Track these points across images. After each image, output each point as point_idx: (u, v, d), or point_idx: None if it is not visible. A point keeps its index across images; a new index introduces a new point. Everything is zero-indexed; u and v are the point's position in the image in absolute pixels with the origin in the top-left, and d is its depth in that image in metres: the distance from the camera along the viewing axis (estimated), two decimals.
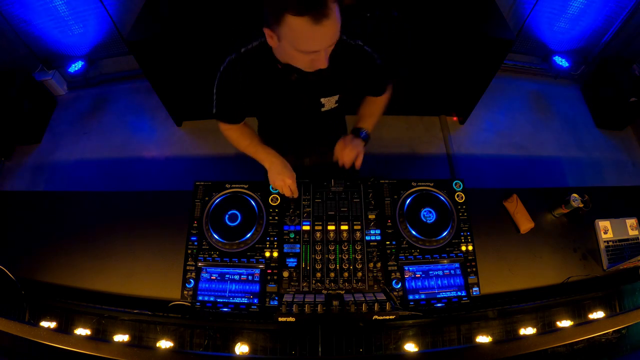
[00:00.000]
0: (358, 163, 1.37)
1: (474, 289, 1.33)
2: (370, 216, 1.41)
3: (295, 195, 1.40)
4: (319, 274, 1.32)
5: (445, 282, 1.33)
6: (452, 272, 1.34)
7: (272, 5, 0.92)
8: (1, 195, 1.77)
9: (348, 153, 1.34)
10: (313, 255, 1.35)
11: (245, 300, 1.27)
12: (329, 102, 1.28)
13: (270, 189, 1.44)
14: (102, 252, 1.44)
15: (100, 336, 1.21)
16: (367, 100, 1.42)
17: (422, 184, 1.48)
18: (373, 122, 1.42)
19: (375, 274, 1.33)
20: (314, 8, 0.86)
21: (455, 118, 3.16)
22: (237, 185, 1.45)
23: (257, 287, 1.29)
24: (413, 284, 1.32)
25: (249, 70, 1.15)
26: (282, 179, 1.35)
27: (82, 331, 1.19)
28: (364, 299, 1.16)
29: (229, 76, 1.17)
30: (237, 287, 1.29)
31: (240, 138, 1.40)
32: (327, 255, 1.34)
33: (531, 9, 2.87)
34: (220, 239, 1.34)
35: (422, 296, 1.30)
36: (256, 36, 1.11)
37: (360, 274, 1.32)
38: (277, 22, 0.92)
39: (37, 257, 1.44)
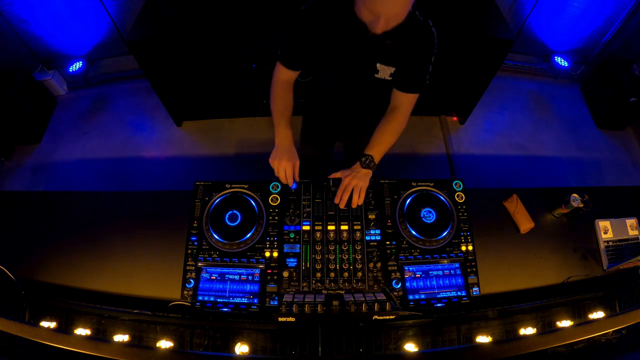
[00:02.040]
0: (356, 200, 1.38)
1: (474, 289, 1.33)
2: (370, 216, 1.41)
3: (290, 183, 1.40)
4: (319, 274, 1.32)
5: (445, 282, 1.33)
6: (452, 272, 1.34)
7: None
8: (1, 195, 1.77)
9: (347, 191, 1.37)
10: (313, 255, 1.34)
11: (245, 300, 1.27)
12: (383, 71, 1.30)
13: (270, 188, 1.44)
14: (102, 252, 1.44)
15: (100, 336, 1.21)
16: (384, 123, 1.41)
17: (422, 184, 1.48)
18: (383, 150, 1.41)
19: (375, 274, 1.33)
20: None
21: (455, 118, 3.16)
22: (237, 185, 1.45)
23: (257, 287, 1.29)
24: (413, 284, 1.32)
25: (325, 17, 1.21)
26: (280, 159, 1.36)
27: (82, 331, 1.19)
28: (364, 299, 1.16)
29: (305, 18, 1.23)
30: (237, 287, 1.29)
31: (281, 99, 1.40)
32: (327, 255, 1.34)
33: (531, 9, 2.87)
34: (220, 239, 1.34)
35: (422, 296, 1.30)
36: None
37: (360, 274, 1.32)
38: None
39: (37, 257, 1.44)
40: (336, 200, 1.39)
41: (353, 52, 1.27)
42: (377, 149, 1.39)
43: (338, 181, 1.44)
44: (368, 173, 1.40)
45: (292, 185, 1.43)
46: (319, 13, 1.21)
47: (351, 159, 1.55)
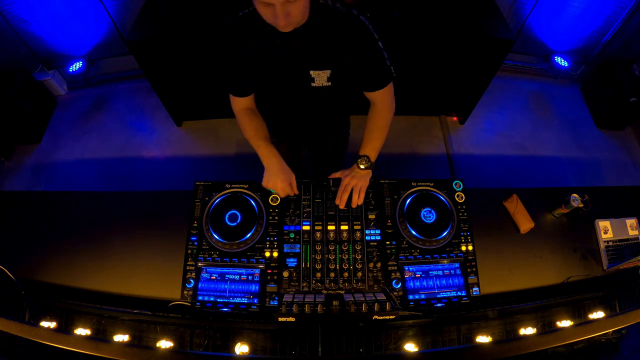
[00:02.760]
0: (356, 200, 1.38)
1: (474, 289, 1.33)
2: (370, 216, 1.41)
3: (291, 194, 1.39)
4: (319, 274, 1.32)
5: (445, 282, 1.33)
6: (452, 272, 1.34)
7: None
8: (1, 195, 1.77)
9: (346, 191, 1.37)
10: (313, 255, 1.34)
11: (245, 300, 1.27)
12: (319, 77, 1.22)
13: (271, 190, 1.44)
14: (102, 252, 1.44)
15: (100, 336, 1.21)
16: (369, 120, 1.38)
17: (422, 184, 1.48)
18: (376, 147, 1.38)
19: (375, 274, 1.33)
20: None
21: (455, 118, 3.16)
22: (237, 185, 1.45)
23: (257, 287, 1.29)
24: (413, 284, 1.32)
25: (245, 34, 1.16)
26: (274, 182, 1.34)
27: (82, 331, 1.19)
28: (364, 299, 1.16)
29: (228, 41, 1.19)
30: (237, 287, 1.29)
31: (248, 125, 1.37)
32: (327, 255, 1.34)
33: (531, 9, 2.87)
34: (220, 239, 1.34)
35: (422, 296, 1.30)
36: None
37: (360, 274, 1.32)
38: None
39: (37, 257, 1.44)
40: (337, 201, 1.40)
41: (282, 65, 1.20)
42: (370, 147, 1.38)
43: (338, 181, 1.44)
44: (368, 173, 1.40)
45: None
46: (238, 32, 1.17)
47: (319, 170, 1.53)
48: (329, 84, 1.24)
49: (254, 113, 1.40)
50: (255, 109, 1.40)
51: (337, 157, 1.87)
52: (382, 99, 1.33)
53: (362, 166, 1.38)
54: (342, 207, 1.39)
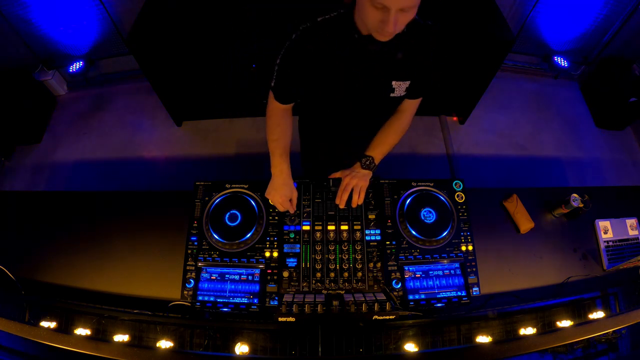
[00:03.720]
0: (356, 200, 1.37)
1: (474, 289, 1.33)
2: (370, 216, 1.41)
3: (291, 211, 1.38)
4: (319, 274, 1.32)
5: (445, 282, 1.33)
6: (452, 272, 1.34)
7: None
8: (1, 195, 1.77)
9: (346, 191, 1.36)
10: (313, 255, 1.34)
11: (245, 300, 1.27)
12: (399, 88, 1.22)
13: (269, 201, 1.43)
14: (102, 252, 1.44)
15: (100, 336, 1.21)
16: (389, 124, 1.38)
17: (422, 184, 1.48)
18: (384, 151, 1.39)
19: (375, 274, 1.33)
20: None
21: (455, 118, 3.16)
22: (237, 185, 1.45)
23: (257, 287, 1.29)
24: (413, 284, 1.32)
25: (323, 40, 1.10)
26: (273, 196, 1.35)
27: (82, 331, 1.19)
28: (364, 299, 1.16)
29: (299, 46, 1.11)
30: (237, 287, 1.29)
31: (275, 128, 1.33)
32: (327, 255, 1.34)
33: (531, 9, 2.87)
34: (220, 239, 1.34)
35: (422, 296, 1.30)
36: (335, 9, 1.10)
37: (360, 274, 1.32)
38: None
39: (37, 257, 1.44)
40: (337, 201, 1.40)
41: (361, 74, 1.17)
42: (379, 150, 1.39)
43: (338, 181, 1.44)
44: (368, 173, 1.40)
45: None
46: (314, 38, 1.10)
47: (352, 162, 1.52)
48: (405, 93, 1.25)
49: (286, 116, 1.34)
50: (289, 112, 1.36)
51: None
52: (410, 109, 1.35)
53: (364, 166, 1.39)
54: (342, 206, 1.39)
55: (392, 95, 1.24)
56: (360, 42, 1.08)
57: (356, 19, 1.06)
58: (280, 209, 1.38)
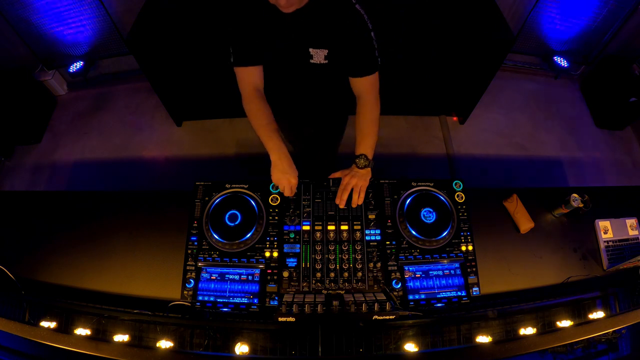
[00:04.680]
0: (356, 200, 1.39)
1: (474, 289, 1.33)
2: (370, 216, 1.41)
3: (292, 195, 1.40)
4: (319, 274, 1.32)
5: (445, 282, 1.33)
6: (452, 272, 1.34)
7: None
8: (1, 195, 1.77)
9: (346, 190, 1.37)
10: (313, 255, 1.35)
11: (245, 300, 1.27)
12: (317, 55, 1.27)
13: (271, 188, 1.44)
14: (102, 252, 1.44)
15: (100, 336, 1.21)
16: (359, 118, 1.39)
17: (422, 184, 1.48)
18: (371, 144, 1.40)
19: (375, 274, 1.33)
20: None
21: (455, 118, 3.16)
22: (237, 185, 1.45)
23: (257, 287, 1.29)
24: (413, 284, 1.32)
25: (246, 6, 1.20)
26: (287, 179, 1.35)
27: (82, 331, 1.19)
28: (364, 299, 1.16)
29: (229, 11, 1.23)
30: (237, 287, 1.29)
31: (258, 113, 1.36)
32: (327, 255, 1.34)
33: (531, 9, 2.87)
34: (220, 239, 1.34)
35: (422, 296, 1.30)
36: None
37: (360, 274, 1.32)
38: None
39: (37, 257, 1.44)
40: (337, 201, 1.40)
41: (280, 41, 1.26)
42: (365, 145, 1.39)
43: (338, 181, 1.44)
44: (367, 172, 1.41)
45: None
46: (243, 3, 1.21)
47: (328, 147, 1.56)
48: (326, 62, 1.29)
49: (263, 99, 1.39)
50: (263, 95, 1.40)
51: (336, 139, 1.91)
52: (368, 90, 1.37)
53: (361, 165, 1.39)
54: (342, 206, 1.40)
55: (312, 61, 1.29)
56: (271, 12, 1.13)
57: None
58: (288, 192, 1.38)
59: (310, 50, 1.27)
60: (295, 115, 1.69)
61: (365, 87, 1.36)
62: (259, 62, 1.35)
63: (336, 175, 1.44)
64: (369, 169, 1.41)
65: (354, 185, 1.38)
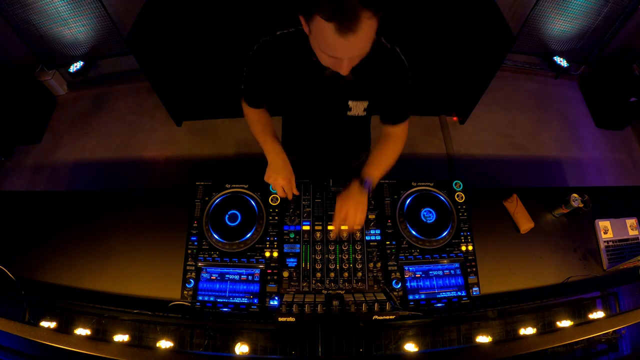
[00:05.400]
0: (354, 222, 1.24)
1: (474, 289, 1.33)
2: (370, 216, 1.41)
3: (290, 197, 1.34)
4: (319, 274, 1.32)
5: (445, 282, 1.33)
6: (452, 272, 1.34)
7: None
8: (1, 195, 1.77)
9: (346, 214, 1.23)
10: (313, 255, 1.34)
11: (245, 300, 1.27)
12: (356, 108, 1.22)
13: (271, 188, 1.44)
14: (102, 252, 1.44)
15: (100, 336, 1.21)
16: (382, 145, 1.34)
17: (422, 184, 1.48)
18: (382, 172, 1.31)
19: (375, 274, 1.33)
20: (342, 18, 0.82)
21: (455, 118, 3.16)
22: (237, 185, 1.45)
23: (257, 287, 1.29)
24: (413, 284, 1.32)
25: (280, 55, 1.12)
26: (275, 178, 1.29)
27: (82, 331, 1.19)
28: (364, 299, 1.16)
29: (259, 57, 1.15)
30: (237, 287, 1.29)
31: (256, 122, 1.35)
32: (327, 255, 1.34)
33: (531, 8, 2.87)
34: (220, 239, 1.34)
35: (422, 296, 1.30)
36: (294, 22, 1.04)
37: (360, 274, 1.32)
38: (308, 14, 0.89)
39: (37, 257, 1.44)
40: (332, 235, 1.36)
41: (319, 93, 1.18)
42: (377, 172, 1.29)
43: (338, 181, 1.44)
44: (364, 197, 1.27)
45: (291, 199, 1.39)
46: (273, 51, 1.12)
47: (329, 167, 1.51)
48: (364, 114, 1.25)
49: (262, 112, 1.36)
50: (265, 110, 1.37)
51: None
52: (398, 135, 1.33)
53: (364, 187, 1.26)
54: (333, 236, 1.35)
55: (349, 114, 1.24)
56: (316, 64, 1.04)
57: (312, 44, 1.01)
58: (280, 191, 1.31)
59: (350, 102, 1.21)
60: (319, 168, 1.59)
61: (397, 132, 1.32)
62: (265, 106, 1.33)
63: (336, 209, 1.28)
64: (368, 193, 1.28)
65: (352, 215, 1.24)
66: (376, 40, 1.00)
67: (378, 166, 1.31)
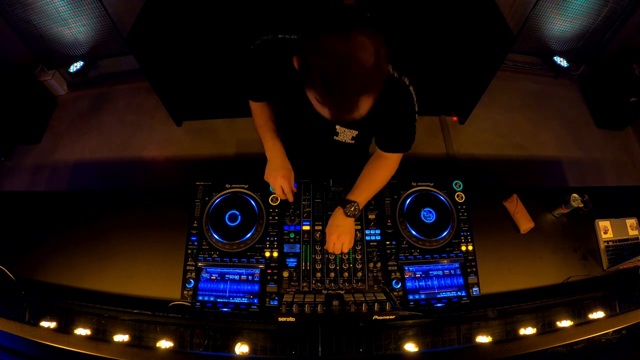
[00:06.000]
0: (339, 249, 1.25)
1: (474, 289, 1.33)
2: (370, 216, 1.41)
3: (290, 199, 1.34)
4: (319, 274, 1.32)
5: (445, 282, 1.33)
6: (452, 272, 1.34)
7: (304, 66, 0.82)
8: (1, 195, 1.77)
9: (335, 243, 1.24)
10: (313, 255, 1.35)
11: (245, 300, 1.27)
12: (344, 134, 1.18)
13: (270, 188, 1.44)
14: (102, 252, 1.44)
15: (100, 336, 1.21)
16: (372, 168, 1.29)
17: (422, 183, 1.48)
18: (368, 197, 1.28)
19: (375, 274, 1.33)
20: (340, 108, 0.80)
21: (455, 118, 3.16)
22: (237, 185, 1.45)
23: (257, 287, 1.29)
24: (413, 284, 1.32)
25: (277, 60, 1.05)
26: (274, 177, 1.29)
27: (82, 331, 1.19)
28: (364, 299, 1.16)
29: (257, 55, 1.09)
30: (237, 287, 1.29)
31: (257, 115, 1.32)
32: (327, 255, 1.34)
33: (531, 8, 2.87)
34: (220, 239, 1.34)
35: (422, 296, 1.30)
36: (299, 28, 1.00)
37: (360, 274, 1.32)
38: (305, 74, 0.83)
39: (37, 257, 1.44)
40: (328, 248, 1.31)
41: (308, 110, 1.09)
42: (364, 196, 1.26)
43: (338, 181, 1.44)
44: (352, 223, 1.27)
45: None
46: (272, 52, 1.07)
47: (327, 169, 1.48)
48: (352, 142, 1.21)
49: (264, 105, 1.32)
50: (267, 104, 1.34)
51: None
52: (393, 159, 1.28)
53: (349, 213, 1.23)
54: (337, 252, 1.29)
55: (336, 138, 1.20)
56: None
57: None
58: (278, 191, 1.30)
59: (337, 127, 1.16)
60: (319, 168, 1.55)
61: (391, 158, 1.27)
62: (263, 100, 1.28)
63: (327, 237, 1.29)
64: (354, 219, 1.27)
65: (341, 244, 1.25)
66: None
67: (364, 190, 1.26)
